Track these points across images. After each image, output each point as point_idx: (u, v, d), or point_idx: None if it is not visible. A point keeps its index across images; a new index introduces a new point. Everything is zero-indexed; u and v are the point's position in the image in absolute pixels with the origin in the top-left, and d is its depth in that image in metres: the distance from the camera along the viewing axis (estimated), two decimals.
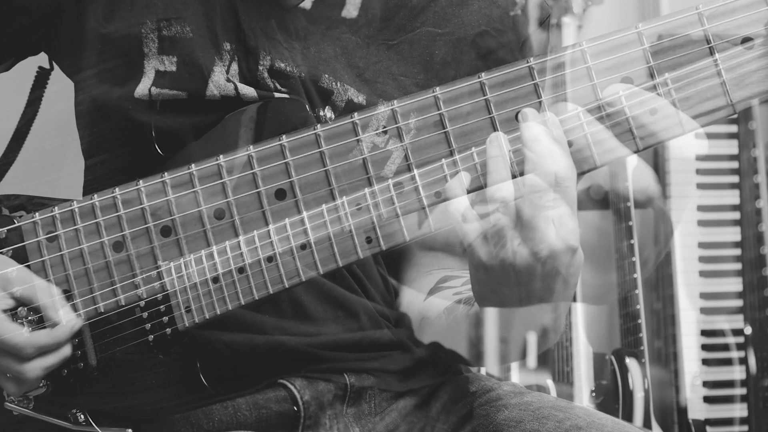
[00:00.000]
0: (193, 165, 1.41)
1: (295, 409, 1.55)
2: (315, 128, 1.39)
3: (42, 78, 1.66)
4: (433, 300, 1.61)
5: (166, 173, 1.42)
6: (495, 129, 1.34)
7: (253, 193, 1.40)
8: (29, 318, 1.42)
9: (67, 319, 1.41)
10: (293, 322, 1.56)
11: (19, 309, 1.43)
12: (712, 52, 1.31)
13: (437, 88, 1.36)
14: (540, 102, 1.34)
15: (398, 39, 1.61)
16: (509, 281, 1.31)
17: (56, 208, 1.45)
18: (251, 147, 1.40)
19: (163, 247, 1.42)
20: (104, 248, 1.43)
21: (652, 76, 1.31)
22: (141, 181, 1.43)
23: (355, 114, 1.38)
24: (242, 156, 1.40)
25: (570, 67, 1.33)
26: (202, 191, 1.41)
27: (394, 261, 1.67)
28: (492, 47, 1.64)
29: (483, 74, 1.35)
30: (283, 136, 1.40)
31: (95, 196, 1.44)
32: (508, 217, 1.29)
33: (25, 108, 1.67)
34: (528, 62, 1.33)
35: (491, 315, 1.45)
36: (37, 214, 1.45)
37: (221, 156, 1.41)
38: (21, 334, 1.39)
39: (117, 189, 1.43)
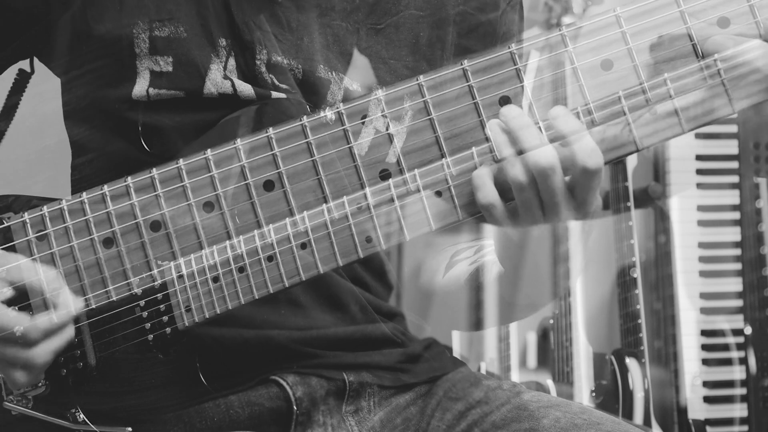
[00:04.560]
0: (181, 159, 1.41)
1: (288, 405, 1.55)
2: (301, 119, 1.39)
3: (22, 82, 1.66)
4: (452, 274, 1.65)
5: (154, 168, 1.42)
6: (479, 114, 1.35)
7: (242, 185, 1.41)
8: (25, 306, 1.42)
9: (69, 299, 1.41)
10: (283, 314, 1.56)
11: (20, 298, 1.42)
12: (691, 38, 1.32)
13: (421, 76, 1.37)
14: (522, 86, 1.35)
15: (385, 23, 1.62)
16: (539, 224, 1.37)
17: (45, 207, 1.44)
18: (238, 140, 1.40)
19: (153, 242, 1.42)
20: (94, 245, 1.43)
21: (630, 57, 1.32)
22: (129, 177, 1.43)
23: (341, 104, 1.39)
24: (230, 149, 1.41)
25: (552, 51, 1.34)
26: (191, 185, 1.41)
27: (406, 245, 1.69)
28: (472, 24, 1.66)
29: (465, 61, 1.36)
30: (270, 129, 1.40)
31: (84, 193, 1.44)
32: (534, 196, 1.33)
33: (2, 111, 1.67)
34: (509, 48, 1.35)
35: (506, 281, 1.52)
36: (26, 213, 1.45)
37: (209, 150, 1.41)
38: (23, 320, 1.39)
39: (106, 186, 1.43)
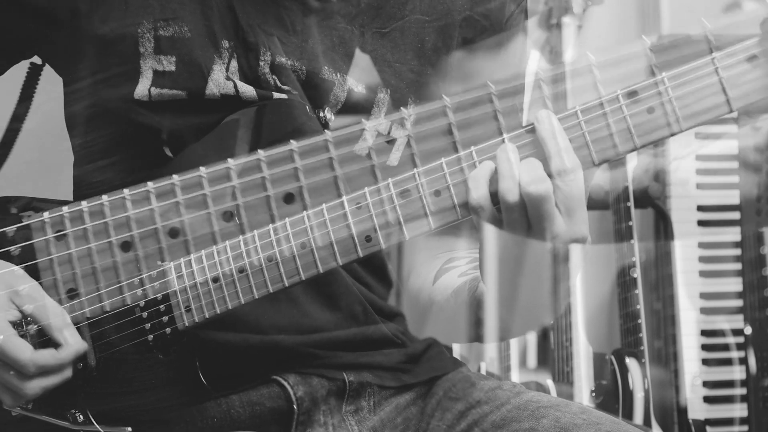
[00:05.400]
0: (202, 168, 1.42)
1: (289, 405, 1.55)
2: (324, 134, 1.39)
3: (34, 74, 1.66)
4: (441, 284, 1.65)
5: (175, 175, 1.42)
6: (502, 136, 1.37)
7: (262, 197, 1.41)
8: (32, 333, 1.42)
9: (73, 341, 1.41)
10: (286, 316, 1.56)
11: (27, 324, 1.42)
12: (715, 64, 1.32)
13: (446, 97, 1.37)
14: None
15: (390, 27, 1.62)
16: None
17: (65, 207, 1.45)
18: (261, 151, 1.41)
19: (171, 248, 1.42)
20: (112, 248, 1.43)
21: (659, 90, 1.33)
22: (150, 183, 1.43)
23: (364, 120, 1.40)
24: (252, 160, 1.41)
25: (576, 79, 1.35)
26: (211, 193, 1.42)
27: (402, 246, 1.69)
28: (478, 30, 1.66)
29: (492, 85, 1.37)
30: (293, 141, 1.40)
31: (104, 196, 1.44)
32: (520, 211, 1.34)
33: (17, 104, 1.67)
34: (537, 75, 1.36)
35: (494, 303, 1.52)
36: (46, 213, 1.45)
37: (230, 159, 1.41)
38: (25, 351, 1.38)
39: (126, 190, 1.43)
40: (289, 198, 1.40)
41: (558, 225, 1.34)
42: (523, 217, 1.35)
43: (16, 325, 1.41)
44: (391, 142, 1.42)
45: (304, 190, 1.40)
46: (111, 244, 1.43)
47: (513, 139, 1.36)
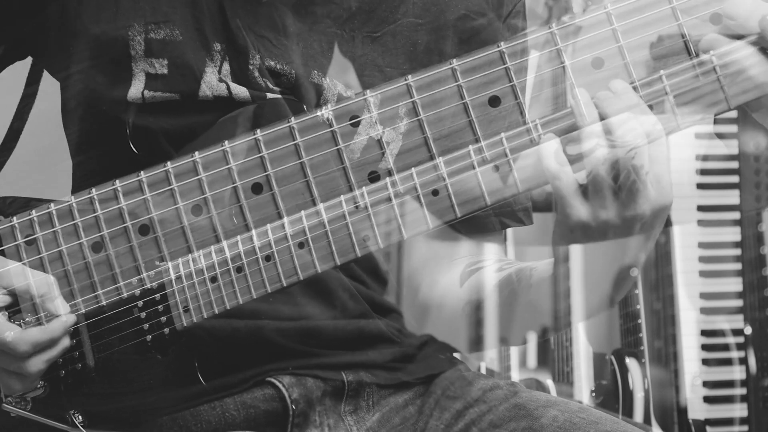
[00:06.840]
0: (168, 162, 1.41)
1: (284, 407, 1.55)
2: (288, 121, 1.39)
3: (36, 72, 1.66)
4: (472, 283, 1.63)
5: (142, 172, 1.42)
6: (468, 114, 1.35)
7: (230, 188, 1.40)
8: (26, 319, 1.42)
9: (58, 311, 1.40)
10: (272, 302, 1.55)
11: (19, 312, 1.42)
12: (683, 36, 1.32)
13: (409, 76, 1.37)
14: (512, 86, 1.34)
15: (381, 31, 1.62)
16: (604, 236, 1.36)
17: (33, 211, 1.44)
18: (226, 142, 1.40)
19: (142, 246, 1.42)
20: (83, 249, 1.43)
21: (622, 55, 1.32)
22: (117, 181, 1.43)
23: (328, 105, 1.39)
24: (217, 152, 1.41)
25: (542, 49, 1.35)
26: (179, 188, 1.41)
27: (406, 257, 1.69)
28: (474, 30, 1.65)
29: (454, 60, 1.36)
30: (258, 130, 1.40)
31: (72, 197, 1.43)
32: (604, 173, 1.31)
33: (19, 103, 1.67)
34: (498, 46, 1.35)
35: (577, 285, 1.50)
36: (14, 217, 1.44)
37: (197, 152, 1.41)
38: (11, 333, 1.38)
39: (94, 189, 1.43)
40: (257, 188, 1.40)
41: (649, 191, 1.32)
42: (609, 181, 1.31)
43: (8, 310, 1.41)
44: (378, 142, 1.41)
45: (272, 179, 1.40)
46: (82, 245, 1.42)
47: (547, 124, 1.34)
